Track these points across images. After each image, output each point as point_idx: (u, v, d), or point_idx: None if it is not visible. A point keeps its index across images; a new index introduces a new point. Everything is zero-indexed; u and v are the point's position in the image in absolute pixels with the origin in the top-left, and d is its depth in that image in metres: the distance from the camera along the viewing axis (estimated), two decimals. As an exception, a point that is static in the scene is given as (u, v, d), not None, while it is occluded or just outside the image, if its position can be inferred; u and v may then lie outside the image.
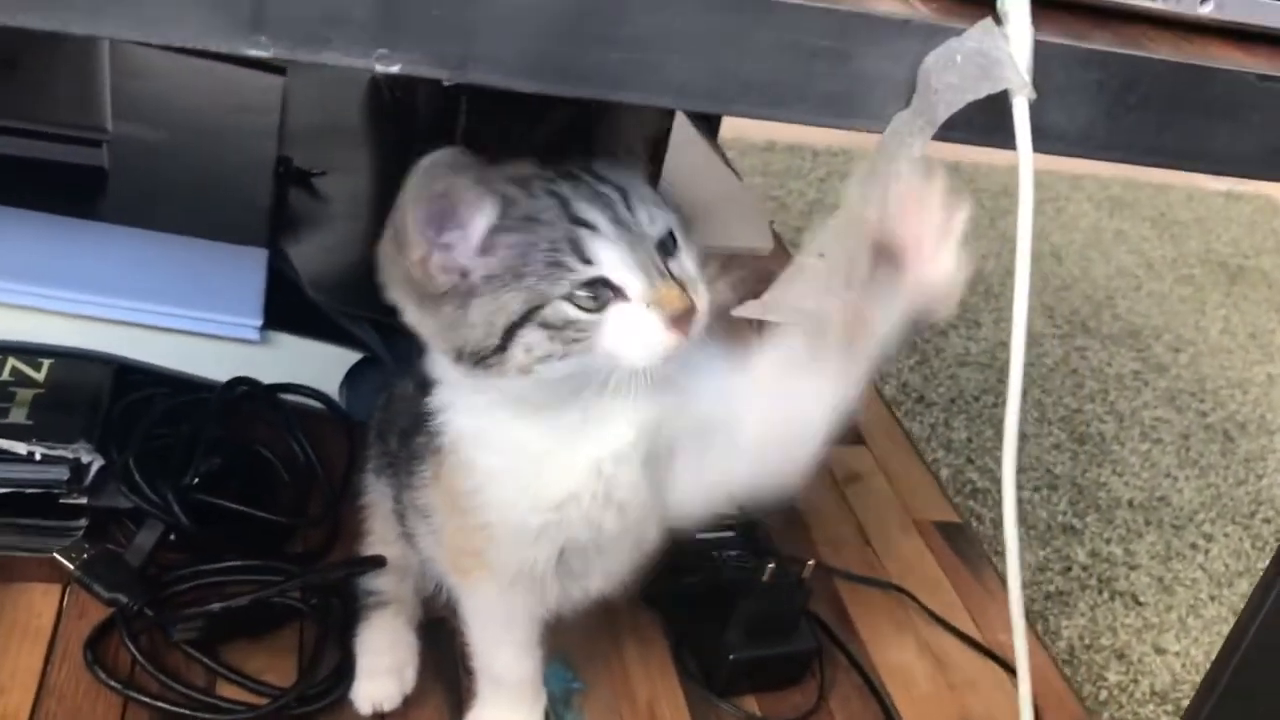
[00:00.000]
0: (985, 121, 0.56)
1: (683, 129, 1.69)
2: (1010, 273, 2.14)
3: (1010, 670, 1.05)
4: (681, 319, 0.66)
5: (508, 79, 0.52)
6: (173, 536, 0.94)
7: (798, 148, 2.61)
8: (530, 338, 0.66)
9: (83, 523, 0.94)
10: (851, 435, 1.34)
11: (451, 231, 0.66)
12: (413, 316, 0.70)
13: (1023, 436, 1.81)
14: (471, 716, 0.87)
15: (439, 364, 0.74)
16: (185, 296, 1.02)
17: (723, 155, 1.85)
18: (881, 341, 0.66)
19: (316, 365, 1.07)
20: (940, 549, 1.18)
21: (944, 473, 1.65)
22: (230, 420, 1.03)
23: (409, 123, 1.35)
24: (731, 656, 0.94)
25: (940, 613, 1.09)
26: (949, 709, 1.00)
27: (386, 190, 1.30)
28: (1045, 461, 1.77)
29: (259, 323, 1.03)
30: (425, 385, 0.76)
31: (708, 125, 1.92)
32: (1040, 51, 0.55)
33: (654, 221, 0.68)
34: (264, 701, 0.85)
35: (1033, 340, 2.08)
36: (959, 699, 1.01)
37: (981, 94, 0.55)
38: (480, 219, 0.66)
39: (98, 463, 0.93)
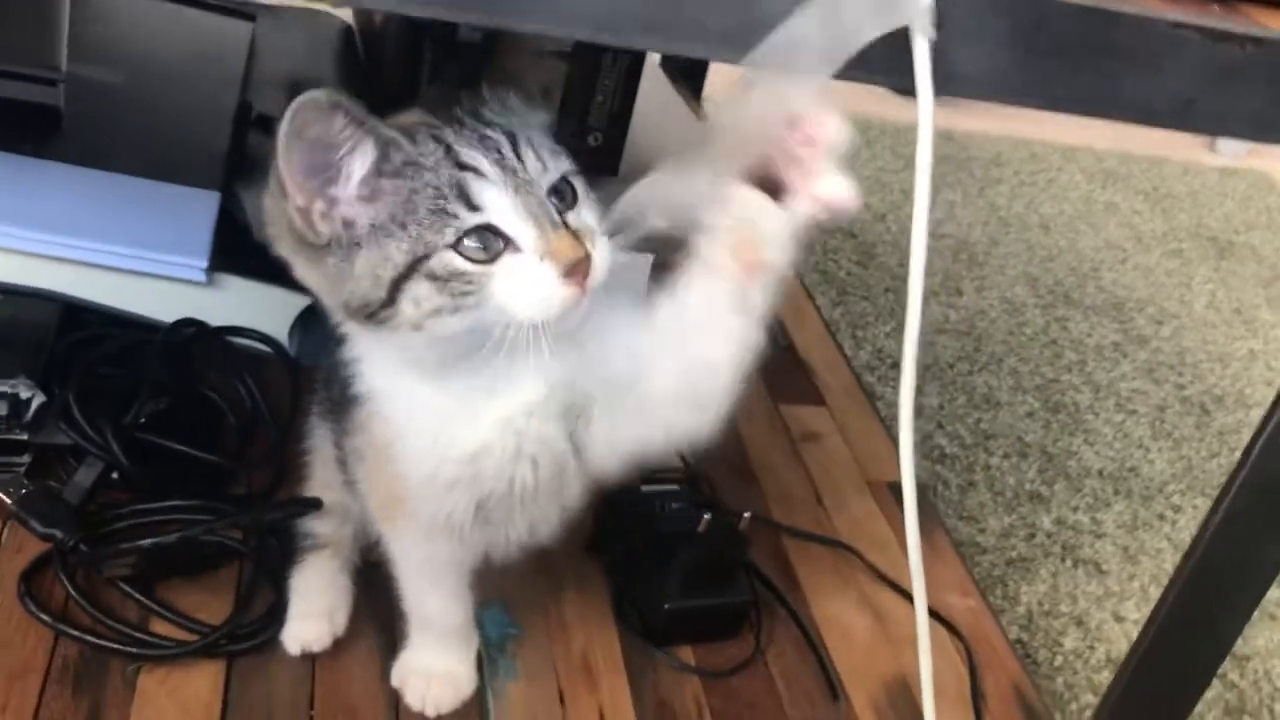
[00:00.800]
0: (889, 63, 0.56)
1: (657, 85, 1.68)
2: (996, 242, 2.15)
3: (952, 630, 1.05)
4: (576, 271, 0.64)
5: (400, 4, 0.52)
6: (115, 476, 0.94)
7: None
8: (418, 290, 0.64)
9: (25, 459, 0.95)
10: (812, 396, 1.34)
11: (331, 178, 0.63)
12: (300, 270, 0.68)
13: (996, 404, 1.81)
14: (402, 659, 0.88)
15: (348, 327, 0.72)
16: (132, 236, 1.02)
17: (699, 111, 1.83)
18: (776, 270, 0.66)
19: (266, 309, 1.07)
20: (892, 510, 1.18)
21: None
22: (177, 362, 1.03)
23: (376, 70, 1.34)
24: (667, 606, 0.94)
25: (886, 571, 1.09)
26: (887, 664, 1.00)
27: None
28: (1017, 429, 1.76)
29: (204, 264, 1.03)
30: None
31: (689, 83, 1.91)
32: (948, -8, 0.54)
33: (546, 169, 0.66)
34: (194, 638, 0.86)
35: (1014, 309, 2.08)
36: (897, 655, 1.01)
37: (880, 31, 0.54)
38: (358, 162, 0.63)
39: (39, 399, 0.94)
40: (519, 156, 0.66)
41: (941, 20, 0.54)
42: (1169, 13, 0.57)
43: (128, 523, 0.92)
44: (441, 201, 0.64)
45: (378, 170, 0.64)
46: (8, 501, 0.91)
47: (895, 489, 1.21)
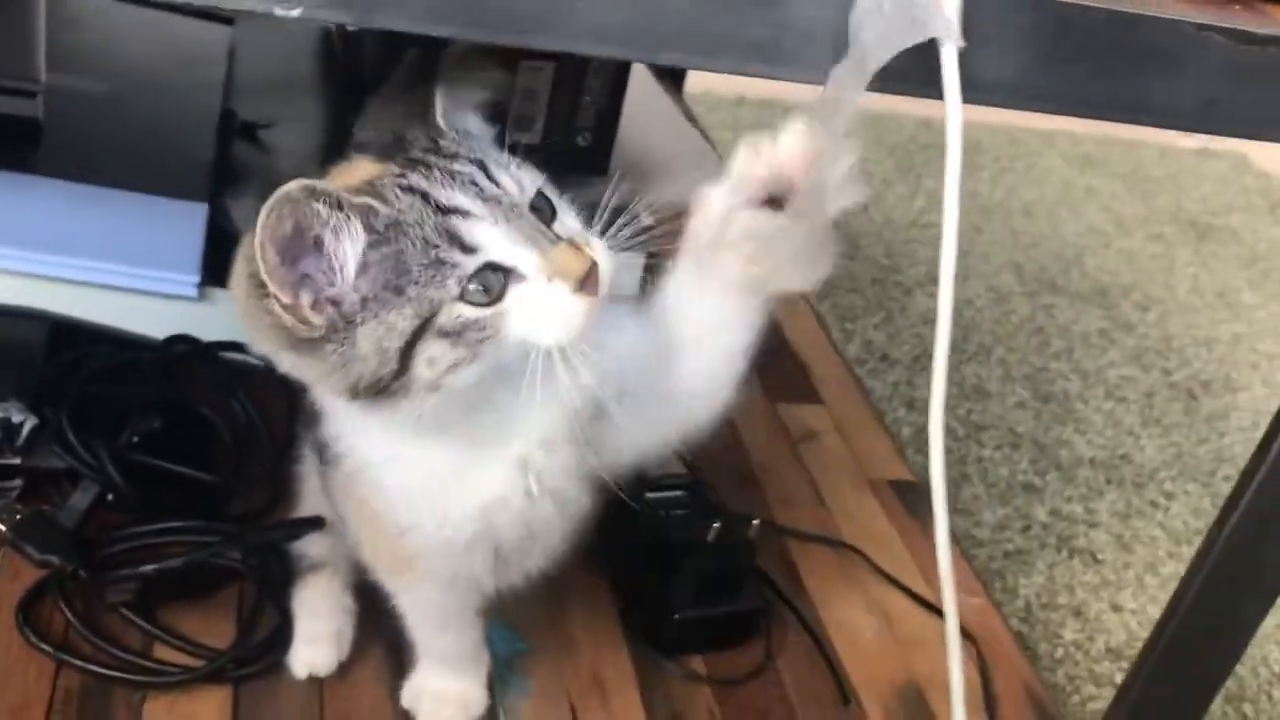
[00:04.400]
0: (918, 73, 0.55)
1: (645, 83, 1.67)
2: (979, 230, 2.13)
3: (962, 630, 1.05)
4: (587, 280, 0.62)
5: (414, 24, 0.50)
6: (110, 498, 0.92)
7: (769, 103, 2.58)
8: (431, 350, 0.61)
9: (17, 483, 0.93)
10: (808, 394, 1.33)
11: (317, 265, 0.60)
12: (289, 365, 0.64)
13: (986, 395, 1.81)
14: (413, 680, 0.87)
15: (326, 400, 0.69)
16: (121, 252, 1.00)
17: (686, 110, 1.82)
18: (782, 272, 0.66)
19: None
20: (894, 507, 1.17)
21: (905, 431, 1.65)
22: (169, 379, 1.02)
23: (357, 74, 1.32)
24: (677, 616, 0.93)
25: (891, 571, 1.08)
26: (895, 667, 0.99)
27: (334, 143, 1.28)
28: (1008, 420, 1.76)
29: (197, 279, 1.02)
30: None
31: (673, 80, 1.90)
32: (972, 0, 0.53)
33: (522, 186, 0.64)
34: (199, 663, 0.84)
35: (1000, 298, 2.08)
36: (905, 657, 1.00)
37: (909, 43, 0.53)
38: (346, 245, 0.59)
39: (31, 422, 0.92)
40: (495, 183, 0.63)
41: (967, 29, 0.53)
42: (1191, 14, 0.57)
43: (125, 545, 0.91)
44: (435, 252, 0.60)
45: (367, 241, 0.60)
46: (1, 528, 0.89)
47: (896, 486, 1.21)
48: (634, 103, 1.41)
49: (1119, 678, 1.36)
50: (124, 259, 1.00)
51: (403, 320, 0.60)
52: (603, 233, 0.66)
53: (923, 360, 1.84)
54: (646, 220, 0.67)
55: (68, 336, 1.00)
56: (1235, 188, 2.73)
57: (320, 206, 0.58)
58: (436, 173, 0.62)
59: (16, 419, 0.91)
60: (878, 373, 1.80)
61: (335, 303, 0.60)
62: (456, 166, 0.63)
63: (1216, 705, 1.36)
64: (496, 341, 0.61)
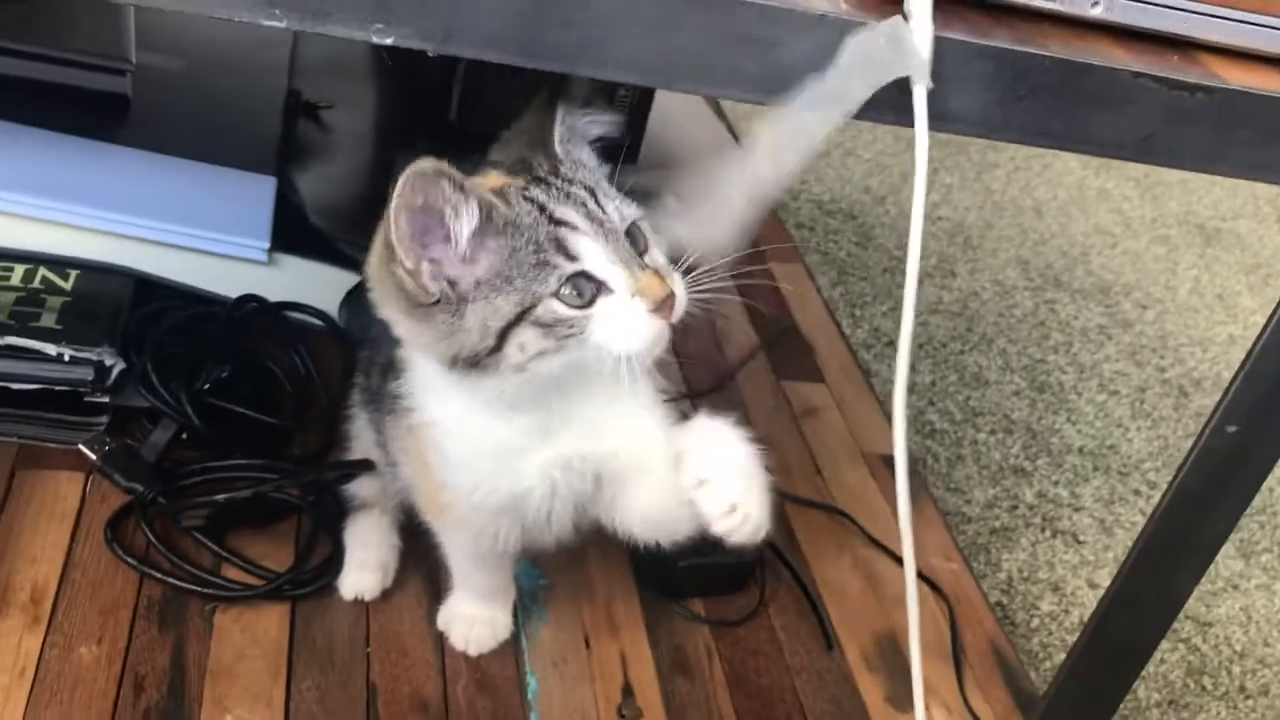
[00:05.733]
0: (895, 104, 0.65)
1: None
2: (990, 225, 2.25)
3: (936, 590, 1.16)
4: (664, 305, 0.72)
5: (481, 51, 0.61)
6: (185, 436, 1.04)
7: (794, 95, 2.68)
8: (524, 336, 0.71)
9: (104, 419, 1.05)
10: (812, 373, 1.44)
11: (438, 240, 0.70)
12: (405, 329, 0.75)
13: (985, 383, 1.91)
14: (447, 605, 0.99)
15: (418, 363, 0.80)
16: (200, 218, 1.12)
17: (721, 114, 1.92)
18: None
19: (318, 286, 1.17)
20: (885, 480, 1.28)
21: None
22: (239, 333, 1.13)
23: (410, 64, 1.44)
24: (680, 564, 1.05)
25: (878, 537, 1.19)
26: (875, 620, 1.11)
27: (388, 125, 1.40)
28: (1004, 407, 1.87)
29: (266, 245, 1.13)
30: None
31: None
32: (942, 46, 0.64)
33: (623, 216, 0.74)
34: (261, 583, 0.97)
35: (1004, 292, 2.18)
36: (886, 612, 1.12)
37: (886, 80, 0.64)
38: (464, 225, 0.70)
39: (119, 366, 1.04)
40: (602, 208, 0.74)
41: (936, 70, 0.64)
42: (1132, 64, 0.67)
43: (199, 478, 1.03)
44: (542, 255, 0.71)
45: (481, 230, 0.71)
46: (93, 457, 1.01)
47: (888, 461, 1.31)
48: (664, 96, 1.52)
49: (1088, 648, 1.48)
50: (202, 224, 1.12)
51: (507, 305, 0.71)
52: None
53: (927, 348, 1.95)
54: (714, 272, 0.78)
55: (151, 292, 1.12)
56: (1244, 194, 2.81)
57: (446, 185, 0.69)
58: (554, 190, 0.74)
59: (108, 362, 1.03)
60: (883, 357, 1.90)
61: (451, 281, 0.71)
62: (571, 189, 0.74)
63: (1179, 677, 1.47)
64: (580, 341, 0.72)
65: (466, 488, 0.83)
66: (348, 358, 1.16)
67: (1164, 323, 2.22)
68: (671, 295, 0.73)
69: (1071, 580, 1.57)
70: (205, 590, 0.96)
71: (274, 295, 1.16)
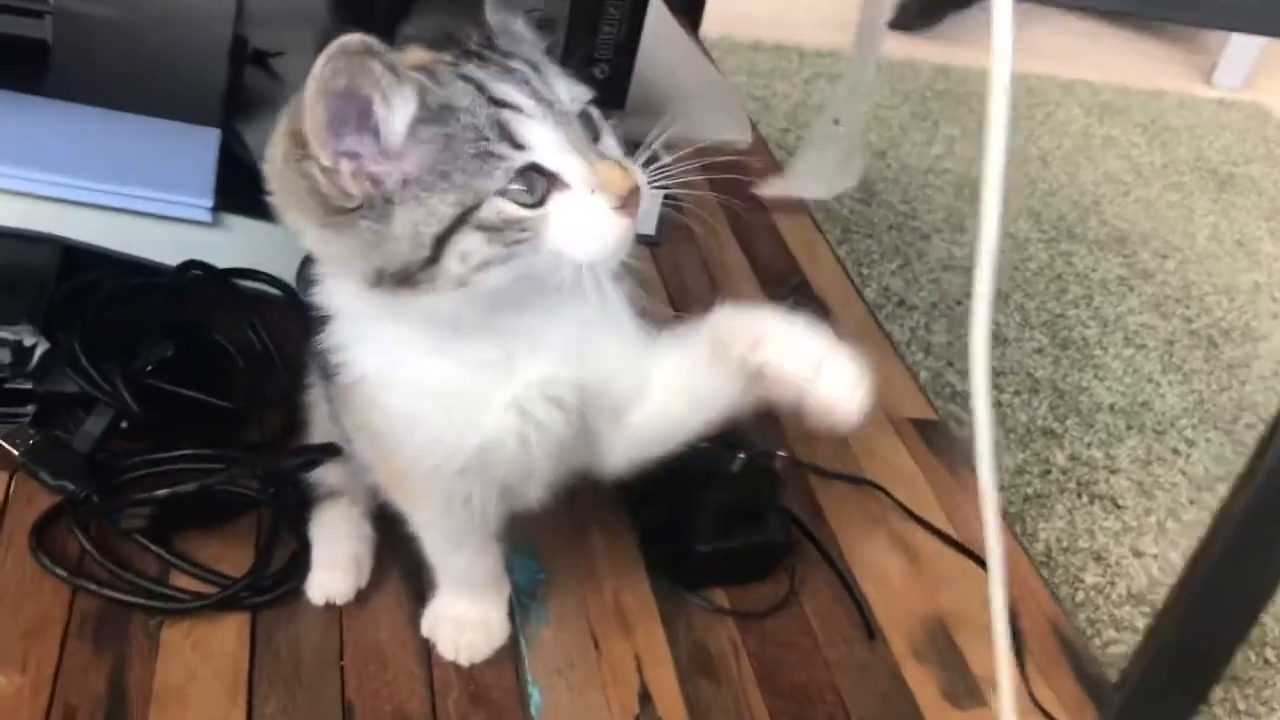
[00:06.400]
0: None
1: (663, 19, 1.64)
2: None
3: (982, 564, 1.03)
4: (628, 201, 0.61)
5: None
6: (124, 424, 0.91)
7: (784, 48, 2.55)
8: (466, 243, 0.59)
9: (29, 409, 0.91)
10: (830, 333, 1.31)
11: (358, 132, 0.58)
12: (316, 238, 0.62)
13: (1004, 341, 1.78)
14: (432, 607, 0.85)
15: (337, 293, 0.68)
16: (134, 175, 0.99)
17: (702, 48, 1.80)
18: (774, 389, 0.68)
19: (272, 249, 1.03)
20: (916, 446, 1.16)
21: (923, 376, 1.62)
22: (183, 305, 1.00)
23: (366, 7, 1.30)
24: (700, 548, 0.92)
25: (914, 508, 1.07)
26: (921, 604, 0.98)
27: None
28: (1026, 365, 1.74)
29: (210, 203, 0.99)
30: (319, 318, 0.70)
31: (689, 18, 1.87)
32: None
33: (573, 97, 0.62)
34: (215, 590, 0.83)
35: (1017, 245, 2.05)
36: (931, 595, 0.99)
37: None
38: (397, 115, 0.58)
39: (42, 345, 0.90)
40: (549, 86, 0.62)
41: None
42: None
43: (140, 473, 0.89)
44: (484, 144, 0.59)
45: (414, 120, 0.59)
46: (15, 453, 0.88)
47: (917, 424, 1.20)
48: (650, 36, 1.38)
49: (1140, 622, 1.35)
50: (136, 182, 0.98)
51: (444, 206, 0.59)
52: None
53: (940, 306, 1.82)
54: (665, 159, 0.66)
55: (79, 261, 0.98)
56: (1255, 138, 2.69)
57: (377, 66, 0.57)
58: (492, 66, 0.61)
59: (28, 342, 0.89)
60: (895, 318, 1.77)
61: (375, 179, 0.59)
62: (512, 64, 0.61)
63: (1239, 650, 1.35)
64: (532, 245, 0.60)
65: (420, 448, 0.70)
66: (308, 329, 1.02)
67: (1185, 272, 2.09)
68: (636, 189, 0.61)
69: (1114, 549, 1.45)
70: (149, 602, 0.82)
71: (221, 261, 1.02)
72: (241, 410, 0.96)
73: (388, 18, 1.27)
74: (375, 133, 0.58)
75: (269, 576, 0.85)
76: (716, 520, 0.93)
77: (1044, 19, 3.14)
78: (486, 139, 0.59)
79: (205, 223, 1.00)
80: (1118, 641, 1.33)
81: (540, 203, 0.60)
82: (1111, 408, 1.69)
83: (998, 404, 1.65)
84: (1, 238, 0.95)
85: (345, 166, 0.58)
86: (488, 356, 0.67)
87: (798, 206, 1.53)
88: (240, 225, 1.03)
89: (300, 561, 0.86)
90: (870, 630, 0.94)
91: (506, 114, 0.59)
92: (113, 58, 1.11)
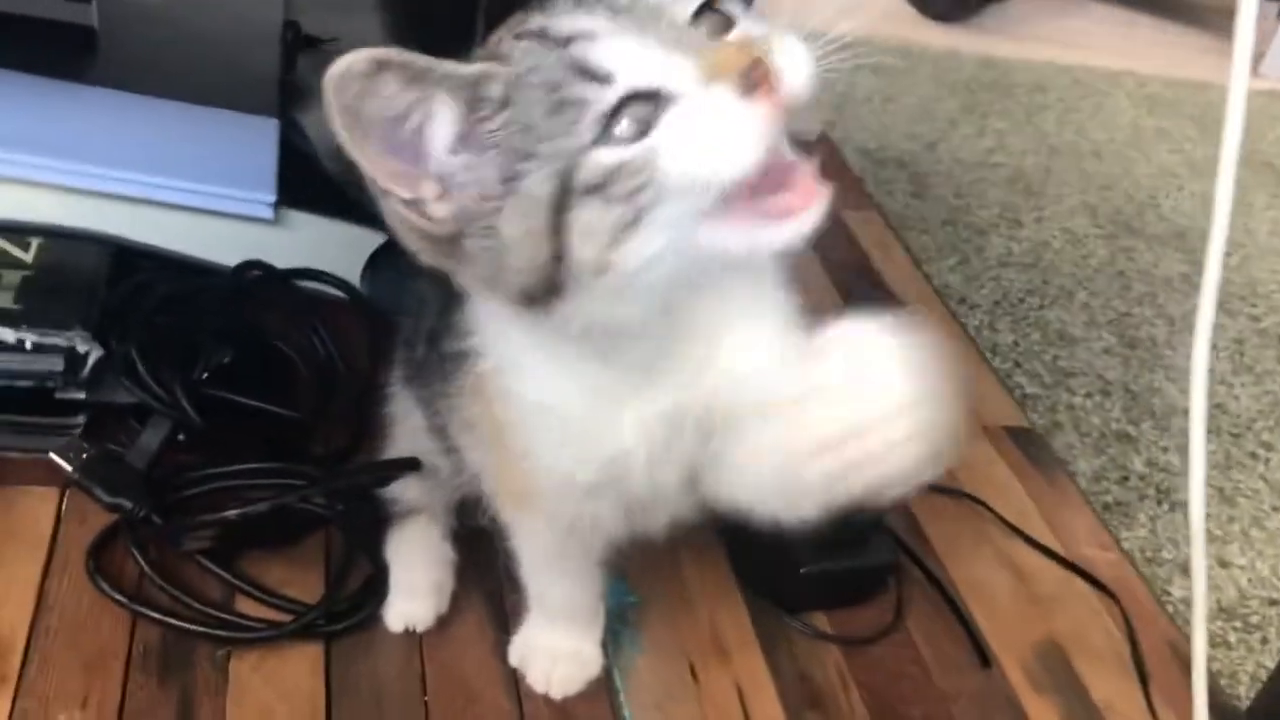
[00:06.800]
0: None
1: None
2: (1049, 171, 2.01)
3: (1095, 583, 0.97)
4: (759, 80, 0.48)
5: None
6: (181, 436, 0.85)
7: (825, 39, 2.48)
8: (584, 216, 0.50)
9: (80, 419, 0.85)
10: (908, 334, 1.24)
11: (423, 152, 0.51)
12: (453, 272, 0.55)
13: (1072, 340, 1.72)
14: (522, 636, 0.79)
15: (490, 311, 0.60)
16: (189, 169, 0.92)
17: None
18: None
19: (336, 248, 0.96)
20: (1011, 453, 1.09)
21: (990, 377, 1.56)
22: (242, 308, 0.93)
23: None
24: (802, 570, 0.85)
25: (1018, 523, 1.00)
26: (1033, 627, 0.91)
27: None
28: (1096, 366, 1.67)
29: (271, 198, 0.93)
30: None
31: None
32: None
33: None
34: (287, 618, 0.77)
35: (1076, 240, 1.98)
36: (1043, 615, 0.93)
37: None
38: (438, 124, 0.51)
39: (96, 352, 0.84)
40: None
41: None
42: None
43: (201, 488, 0.83)
44: (559, 94, 0.49)
45: (471, 116, 0.51)
46: (68, 468, 0.81)
47: (1011, 432, 1.13)
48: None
49: (1233, 637, 1.28)
50: (192, 176, 0.91)
51: (540, 186, 0.50)
52: None
53: (1004, 305, 1.75)
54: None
55: (133, 262, 0.91)
56: (1310, 131, 2.62)
57: (391, 81, 0.49)
58: (559, 9, 0.52)
59: (82, 348, 0.83)
60: (958, 316, 1.70)
61: (461, 192, 0.52)
62: None
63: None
64: (655, 189, 0.49)
65: (556, 455, 0.62)
66: (375, 333, 0.95)
67: (1249, 268, 2.02)
68: (762, 63, 0.48)
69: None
70: (216, 631, 0.76)
71: (283, 261, 0.95)
72: (306, 421, 0.89)
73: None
74: (433, 148, 0.51)
75: (344, 601, 0.78)
76: (818, 541, 0.85)
77: (1083, 10, 3.07)
78: (560, 87, 0.50)
79: (266, 219, 0.93)
80: (1211, 659, 1.26)
81: (648, 130, 0.49)
82: (1186, 411, 1.61)
83: (1070, 407, 1.58)
84: (49, 237, 0.88)
85: (428, 191, 0.51)
86: (634, 366, 0.59)
87: (864, 197, 1.47)
88: (301, 221, 0.96)
89: (376, 585, 0.80)
90: (984, 657, 0.87)
91: (578, 47, 0.50)
92: (161, 43, 1.05)
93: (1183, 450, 1.54)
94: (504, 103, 0.51)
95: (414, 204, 0.51)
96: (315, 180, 0.96)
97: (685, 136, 0.49)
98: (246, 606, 0.78)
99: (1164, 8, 3.13)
